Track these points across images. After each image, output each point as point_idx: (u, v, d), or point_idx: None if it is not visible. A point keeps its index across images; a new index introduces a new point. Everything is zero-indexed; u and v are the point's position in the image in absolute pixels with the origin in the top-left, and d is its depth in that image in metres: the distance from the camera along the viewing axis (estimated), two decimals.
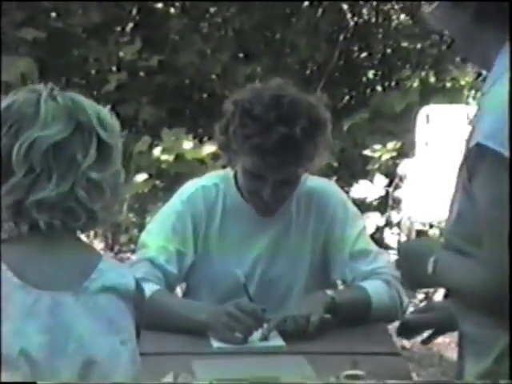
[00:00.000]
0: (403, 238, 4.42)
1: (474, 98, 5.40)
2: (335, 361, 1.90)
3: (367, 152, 5.06)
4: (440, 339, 4.02)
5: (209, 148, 5.10)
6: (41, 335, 1.34)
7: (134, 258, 2.29)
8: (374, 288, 2.17)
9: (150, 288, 2.06)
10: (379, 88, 6.04)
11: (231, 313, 2.00)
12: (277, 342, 2.04)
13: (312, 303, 2.09)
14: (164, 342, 2.00)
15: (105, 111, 1.45)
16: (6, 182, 1.35)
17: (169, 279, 2.16)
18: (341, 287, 2.32)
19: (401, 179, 4.54)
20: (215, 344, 2.02)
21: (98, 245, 5.07)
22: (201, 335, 2.03)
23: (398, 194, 4.79)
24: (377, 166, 5.04)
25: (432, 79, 5.71)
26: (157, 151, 5.13)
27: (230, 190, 2.20)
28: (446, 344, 4.00)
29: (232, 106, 2.10)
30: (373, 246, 2.26)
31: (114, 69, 5.95)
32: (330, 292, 2.14)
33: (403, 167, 4.53)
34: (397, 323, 3.95)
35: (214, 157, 5.08)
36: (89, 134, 1.39)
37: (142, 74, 5.91)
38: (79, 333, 1.37)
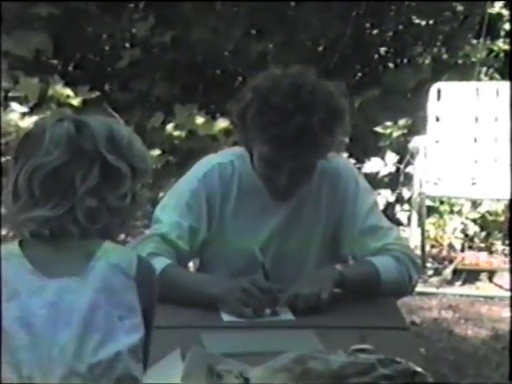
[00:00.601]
0: (414, 215, 4.40)
1: (485, 74, 5.36)
2: (344, 335, 1.90)
3: (378, 129, 5.03)
4: (450, 314, 4.05)
5: (221, 124, 5.09)
6: (44, 309, 1.43)
7: (147, 232, 2.29)
8: (383, 263, 2.16)
9: (161, 262, 2.07)
10: (391, 65, 5.99)
11: (247, 289, 2.00)
12: (286, 316, 2.04)
13: (321, 279, 2.09)
14: (173, 316, 2.00)
15: (121, 133, 1.51)
16: (15, 203, 1.49)
17: (180, 255, 2.16)
18: (351, 263, 2.31)
19: (412, 156, 4.51)
20: (225, 318, 2.03)
21: None
22: (211, 309, 2.04)
23: (409, 170, 4.77)
24: (388, 142, 5.02)
25: (444, 56, 5.67)
26: (170, 127, 5.13)
27: (246, 168, 2.20)
28: (456, 319, 4.01)
29: (251, 93, 2.08)
30: (383, 222, 2.25)
31: (128, 45, 5.93)
32: (339, 267, 2.13)
33: (414, 144, 4.50)
34: (406, 298, 3.96)
35: (227, 133, 5.07)
36: (91, 158, 1.47)
37: (155, 50, 5.89)
38: (82, 308, 1.43)
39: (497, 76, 5.36)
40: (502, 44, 5.40)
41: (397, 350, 1.79)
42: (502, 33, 5.50)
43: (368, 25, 6.12)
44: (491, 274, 4.42)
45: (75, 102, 4.97)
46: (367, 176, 4.94)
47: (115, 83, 5.92)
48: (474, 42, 5.31)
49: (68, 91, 4.99)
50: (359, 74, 6.03)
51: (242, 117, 2.10)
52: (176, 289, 2.04)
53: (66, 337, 1.42)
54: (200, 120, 5.10)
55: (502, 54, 5.48)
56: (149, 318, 1.51)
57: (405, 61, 5.95)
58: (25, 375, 1.39)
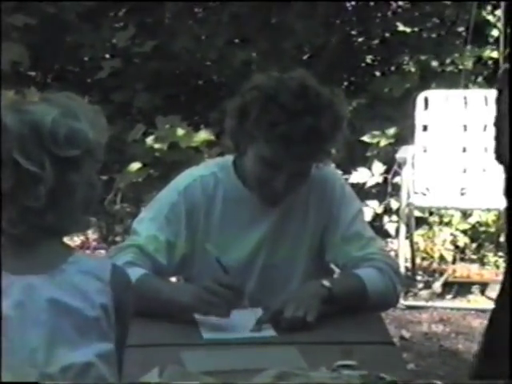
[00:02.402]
0: (402, 226, 4.42)
1: (473, 82, 5.39)
2: (327, 351, 1.90)
3: (365, 138, 5.05)
4: (440, 328, 4.06)
5: (203, 135, 5.10)
6: (13, 310, 1.43)
7: (125, 242, 2.29)
8: (369, 276, 2.17)
9: (137, 271, 2.07)
10: (378, 73, 6.02)
11: (209, 287, 2.00)
12: (268, 332, 2.04)
13: (308, 299, 2.07)
14: (152, 333, 2.00)
15: (44, 123, 1.45)
16: None
17: (158, 269, 2.15)
18: (336, 276, 2.32)
19: (399, 166, 4.53)
20: (205, 335, 2.02)
21: (92, 235, 5.07)
22: (189, 324, 2.04)
23: (396, 180, 4.78)
24: (375, 152, 5.04)
25: (431, 63, 5.70)
26: (150, 139, 5.13)
27: (230, 178, 2.20)
28: (447, 333, 4.01)
29: (255, 91, 2.08)
30: (367, 231, 2.27)
31: (108, 55, 5.93)
32: (326, 283, 2.13)
33: (402, 153, 4.52)
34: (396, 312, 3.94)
35: (209, 144, 5.08)
36: (4, 163, 1.43)
37: (136, 60, 5.90)
38: (50, 307, 1.44)
39: (485, 84, 5.39)
40: (489, 51, 5.43)
41: (382, 366, 1.80)
42: (490, 40, 5.54)
43: (354, 32, 6.16)
44: (483, 286, 4.43)
45: None
46: (354, 186, 4.94)
47: (95, 94, 5.92)
48: (462, 49, 5.35)
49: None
50: (345, 83, 6.06)
51: (240, 116, 2.09)
52: (150, 298, 2.04)
53: (36, 338, 1.42)
54: (182, 132, 5.10)
55: (490, 62, 5.52)
56: (124, 325, 1.52)
57: (392, 69, 5.99)
58: (6, 380, 1.39)
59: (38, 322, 1.43)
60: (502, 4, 3.36)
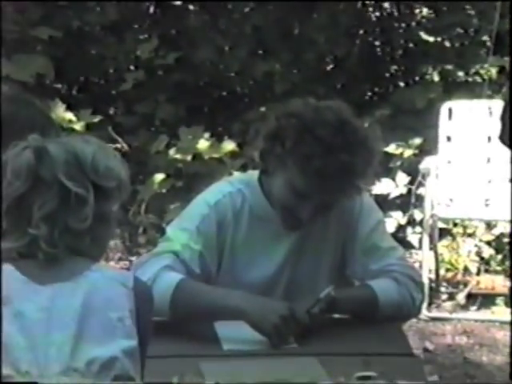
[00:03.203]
0: (426, 237, 4.40)
1: (497, 92, 5.37)
2: (347, 362, 1.90)
3: (389, 149, 5.04)
4: (464, 340, 4.03)
5: (227, 146, 5.12)
6: (38, 313, 1.51)
7: (157, 248, 2.29)
8: (381, 286, 2.17)
9: (175, 276, 2.09)
10: (401, 83, 6.01)
11: (286, 317, 2.01)
12: (289, 343, 2.04)
13: (311, 299, 2.10)
14: (171, 344, 2.01)
15: (84, 153, 1.57)
16: None
17: (192, 277, 2.16)
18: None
19: (423, 177, 4.52)
20: (226, 346, 2.03)
21: (117, 246, 5.10)
22: (209, 335, 2.04)
23: (420, 191, 4.77)
24: (399, 163, 5.02)
25: (455, 74, 5.68)
26: (173, 151, 5.16)
27: (256, 196, 2.21)
28: (470, 345, 3.99)
29: (291, 119, 2.08)
30: (385, 242, 2.26)
31: (132, 67, 5.98)
32: (332, 292, 2.13)
33: (425, 164, 4.51)
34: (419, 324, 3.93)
35: (233, 155, 5.09)
36: (48, 185, 1.54)
37: (159, 71, 5.94)
38: (76, 309, 1.51)
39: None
40: None
41: (402, 377, 1.80)
42: None
43: (377, 43, 6.16)
44: (508, 298, 4.40)
45: (78, 126, 5.02)
46: (378, 198, 4.94)
47: (119, 106, 5.97)
48: (486, 59, 5.33)
49: (70, 115, 5.04)
50: (369, 93, 6.05)
51: (273, 140, 2.09)
52: (194, 302, 2.06)
53: (62, 337, 1.49)
54: (205, 143, 5.13)
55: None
56: (145, 335, 1.56)
57: (415, 79, 5.98)
58: (22, 370, 1.46)
59: (64, 324, 1.50)
60: None
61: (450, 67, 5.68)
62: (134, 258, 5.06)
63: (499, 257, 4.79)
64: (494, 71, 5.41)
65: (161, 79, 5.89)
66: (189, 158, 5.09)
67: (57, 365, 1.47)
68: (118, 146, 5.38)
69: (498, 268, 4.75)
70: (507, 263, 4.77)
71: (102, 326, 1.51)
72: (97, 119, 5.21)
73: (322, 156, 2.03)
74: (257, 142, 2.15)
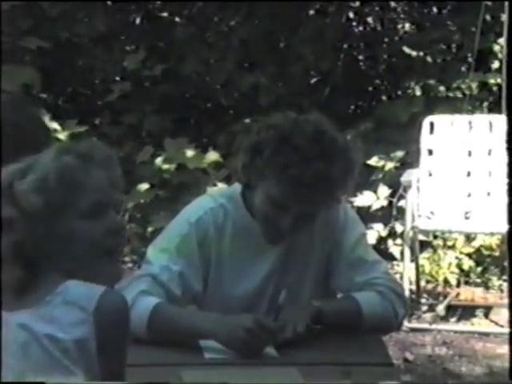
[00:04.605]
0: (407, 249, 4.41)
1: (478, 107, 5.40)
2: (327, 371, 1.89)
3: (371, 162, 5.06)
4: (443, 351, 4.04)
5: (211, 156, 5.12)
6: (2, 346, 1.43)
7: (138, 271, 2.28)
8: (366, 299, 2.16)
9: (151, 300, 2.07)
10: (384, 97, 6.04)
11: (252, 329, 1.98)
12: (269, 352, 2.03)
13: (296, 314, 2.09)
14: (153, 353, 2.00)
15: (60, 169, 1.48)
16: None
17: (171, 299, 2.13)
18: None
19: (404, 189, 4.53)
20: (207, 355, 2.02)
21: None
22: (191, 345, 2.04)
23: (401, 204, 4.78)
24: (380, 176, 5.04)
25: (437, 89, 5.72)
26: (159, 161, 5.15)
27: (238, 210, 2.19)
28: (450, 356, 4.00)
29: (271, 131, 2.08)
30: (370, 255, 2.25)
31: (118, 78, 5.98)
32: (315, 303, 2.13)
33: (407, 177, 4.52)
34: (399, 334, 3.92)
35: (217, 166, 5.09)
36: None
37: (146, 83, 5.94)
38: (25, 338, 1.43)
39: (489, 109, 5.40)
40: (493, 78, 5.45)
41: None
42: (494, 66, 5.56)
43: (361, 57, 6.19)
44: (487, 310, 4.41)
45: (62, 136, 5.01)
46: (359, 210, 4.95)
47: (105, 117, 5.96)
48: (468, 74, 5.36)
49: (55, 125, 5.03)
50: (352, 107, 6.08)
51: (253, 152, 2.08)
52: (169, 326, 2.04)
53: (7, 376, 1.41)
54: (190, 153, 5.12)
55: (494, 88, 5.53)
56: (116, 352, 1.49)
57: (398, 93, 6.01)
58: None
59: (13, 353, 1.43)
60: (505, 31, 3.38)
61: (432, 82, 5.72)
62: None
63: (479, 269, 4.81)
64: (474, 87, 5.44)
65: (147, 90, 5.88)
66: (173, 167, 5.08)
67: None
68: None
69: (478, 280, 4.77)
70: (487, 275, 4.78)
71: (44, 357, 1.42)
72: (82, 129, 5.20)
73: (298, 165, 2.02)
74: (239, 155, 2.15)
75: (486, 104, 5.48)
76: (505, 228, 3.24)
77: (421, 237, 4.62)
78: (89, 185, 1.50)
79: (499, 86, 5.34)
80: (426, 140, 4.64)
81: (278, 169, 2.04)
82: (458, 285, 4.70)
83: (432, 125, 4.66)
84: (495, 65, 5.52)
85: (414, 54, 5.86)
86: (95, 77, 6.01)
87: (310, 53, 5.72)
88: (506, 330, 4.01)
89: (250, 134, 2.12)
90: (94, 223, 1.50)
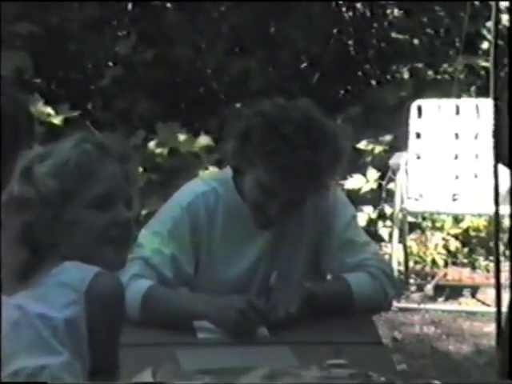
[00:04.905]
0: (396, 231, 4.43)
1: (465, 91, 5.41)
2: (318, 350, 1.91)
3: (360, 145, 5.07)
4: (432, 330, 4.07)
5: (203, 140, 5.12)
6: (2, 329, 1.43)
7: (130, 255, 2.28)
8: (356, 279, 2.17)
9: (144, 283, 2.07)
10: (374, 82, 6.04)
11: (243, 310, 1.99)
12: (261, 332, 2.05)
13: (288, 295, 2.10)
14: (146, 333, 2.00)
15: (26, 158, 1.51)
16: None
17: (163, 281, 2.13)
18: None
19: (393, 172, 4.55)
20: (200, 334, 2.03)
21: None
22: (185, 325, 2.04)
23: (390, 186, 4.80)
24: (369, 159, 5.05)
25: (425, 73, 5.72)
26: (151, 145, 5.15)
27: (230, 194, 2.19)
28: (438, 335, 4.02)
29: (259, 117, 2.07)
30: (360, 237, 2.25)
31: (110, 63, 5.96)
32: (307, 284, 2.14)
33: (395, 160, 4.54)
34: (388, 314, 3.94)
35: (209, 150, 5.09)
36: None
37: (137, 68, 5.91)
38: (14, 320, 1.44)
39: (476, 93, 5.42)
40: (481, 62, 5.46)
41: (371, 365, 1.81)
42: (482, 50, 5.56)
43: (351, 42, 6.18)
44: (474, 289, 4.44)
45: (56, 120, 4.99)
46: (349, 193, 4.97)
47: (97, 102, 5.94)
48: (455, 58, 5.37)
49: (49, 110, 5.01)
50: (342, 92, 6.07)
51: (243, 139, 2.08)
52: (162, 308, 2.04)
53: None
54: (182, 137, 5.12)
55: (482, 72, 5.54)
56: (108, 333, 1.49)
57: (387, 78, 6.01)
58: None
59: (5, 334, 1.44)
60: (493, 15, 3.39)
61: (420, 65, 5.72)
62: None
63: (466, 250, 4.84)
64: (462, 71, 5.45)
65: (139, 76, 5.87)
66: (166, 151, 5.08)
67: None
68: None
69: (465, 260, 4.80)
70: (473, 256, 4.81)
71: (34, 336, 1.42)
72: (75, 114, 5.18)
73: (286, 153, 2.01)
74: (229, 141, 2.14)
75: (473, 88, 5.49)
76: (492, 209, 3.27)
77: (409, 218, 4.65)
78: (101, 175, 1.51)
79: (487, 70, 5.35)
80: (414, 124, 4.66)
81: (266, 156, 2.04)
82: (446, 265, 4.73)
83: (420, 109, 4.67)
84: (483, 47, 5.53)
85: (402, 38, 5.86)
86: (87, 62, 5.98)
87: (300, 38, 5.71)
88: (493, 309, 4.04)
89: (239, 121, 2.11)
90: (98, 213, 1.51)
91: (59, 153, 1.51)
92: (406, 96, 5.22)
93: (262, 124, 2.06)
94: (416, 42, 5.89)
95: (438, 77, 5.73)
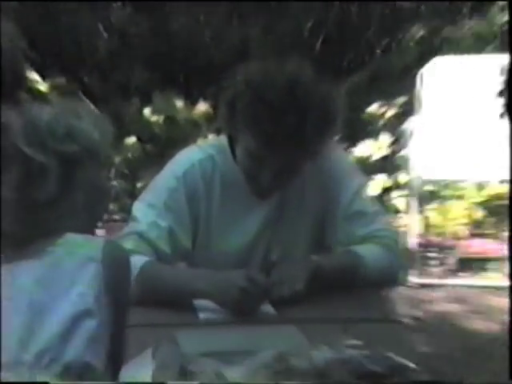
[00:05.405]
0: (413, 201, 4.37)
1: (484, 49, 5.33)
2: (328, 329, 1.84)
3: (371, 109, 5.02)
4: (456, 308, 3.99)
5: (202, 108, 5.08)
6: (5, 295, 1.44)
7: (124, 229, 2.24)
8: (368, 252, 2.09)
9: (140, 259, 2.00)
10: (378, 48, 6.00)
11: (245, 288, 1.93)
12: (266, 310, 1.99)
13: (295, 270, 2.02)
14: (146, 314, 1.93)
15: (41, 118, 1.49)
16: None
17: (160, 257, 2.08)
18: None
19: (408, 137, 4.49)
20: (201, 315, 1.98)
21: None
22: (186, 305, 2.00)
23: (405, 152, 4.74)
24: (381, 123, 5.01)
25: (438, 32, 5.67)
26: (147, 112, 5.12)
27: (227, 161, 2.14)
28: (463, 313, 3.96)
29: (243, 84, 2.01)
30: (370, 207, 2.17)
31: (105, 35, 5.93)
32: (315, 257, 2.08)
33: (410, 123, 4.47)
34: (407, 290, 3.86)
35: (208, 118, 5.06)
36: (10, 156, 1.47)
37: (133, 39, 5.89)
38: (32, 290, 1.45)
39: (496, 50, 5.33)
40: (499, 17, 5.38)
41: (388, 345, 1.73)
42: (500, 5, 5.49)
43: (354, 8, 6.13)
44: (500, 262, 4.37)
45: (42, 87, 4.97)
46: (359, 160, 4.92)
47: (94, 74, 5.92)
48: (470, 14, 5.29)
49: (35, 76, 4.99)
50: (347, 58, 6.03)
51: (230, 106, 2.03)
52: (158, 286, 1.99)
53: (15, 323, 1.42)
54: (179, 104, 5.10)
55: (495, 28, 5.47)
56: (122, 304, 1.51)
57: (393, 44, 5.97)
58: None
59: (17, 308, 1.44)
60: None
61: (431, 26, 5.67)
62: (106, 226, 5.02)
63: (489, 219, 4.77)
64: (477, 28, 5.37)
65: (135, 47, 5.83)
66: (162, 119, 5.05)
67: (5, 355, 1.38)
68: None
69: (489, 231, 4.73)
70: (500, 226, 4.74)
71: (57, 308, 1.44)
72: (71, 86, 5.17)
73: (270, 119, 1.96)
74: (220, 108, 2.12)
75: (492, 45, 5.41)
76: None
77: (428, 187, 4.58)
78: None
79: (506, 24, 5.26)
80: (429, 84, 4.57)
81: (251, 123, 2.00)
82: (469, 237, 4.67)
83: (435, 67, 4.58)
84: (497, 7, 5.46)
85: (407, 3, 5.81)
86: (81, 34, 5.96)
87: (302, 5, 5.67)
88: None
89: (228, 87, 2.09)
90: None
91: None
92: (413, 60, 5.16)
93: (246, 90, 2.00)
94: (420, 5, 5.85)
95: (453, 35, 5.66)
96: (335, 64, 5.64)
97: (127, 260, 1.54)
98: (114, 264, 1.50)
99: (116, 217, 5.05)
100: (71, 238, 1.49)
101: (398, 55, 5.42)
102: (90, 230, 1.56)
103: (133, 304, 1.92)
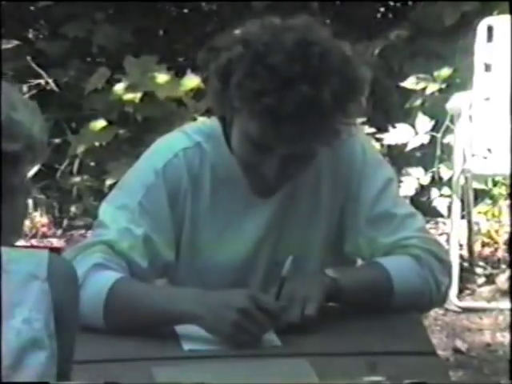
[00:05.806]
0: (456, 201, 4.45)
1: None
2: (347, 363, 1.93)
3: (406, 83, 5.07)
4: (507, 338, 4.09)
5: (189, 82, 5.12)
6: None
7: (88, 238, 2.31)
8: (397, 265, 2.19)
9: (110, 276, 2.09)
10: None
11: (246, 310, 2.00)
12: (269, 339, 2.07)
13: (307, 290, 2.11)
14: (117, 346, 2.02)
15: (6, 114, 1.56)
16: None
17: (135, 271, 2.16)
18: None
19: (452, 120, 4.56)
20: (186, 346, 2.05)
21: (42, 219, 5.11)
22: (165, 333, 2.07)
23: (448, 140, 4.81)
24: (419, 102, 5.05)
25: None
26: (119, 88, 5.15)
27: (219, 151, 2.21)
28: None
29: (240, 46, 2.08)
30: (400, 208, 2.27)
31: None
32: (331, 272, 2.16)
33: (455, 103, 4.54)
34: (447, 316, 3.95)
35: (197, 95, 5.10)
36: None
37: None
38: None
39: None
40: None
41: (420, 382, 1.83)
42: None
43: None
44: None
45: None
46: (391, 149, 4.99)
47: (42, 29, 5.94)
48: None
49: None
50: (381, 9, 6.07)
51: (223, 77, 2.08)
52: (131, 310, 2.07)
53: None
54: (160, 78, 5.13)
55: None
56: (70, 329, 1.57)
57: None
58: None
59: None
60: None
61: None
62: (64, 234, 5.08)
63: None
64: None
65: None
66: (138, 97, 5.09)
67: None
68: (41, 81, 5.38)
69: None
70: None
71: (3, 339, 1.48)
72: (10, 45, 5.20)
73: (274, 91, 2.02)
74: (210, 81, 2.15)
75: None
76: None
77: (475, 184, 4.66)
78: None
79: None
80: (482, 51, 4.65)
81: (250, 97, 2.05)
82: None
83: (490, 30, 4.66)
84: None
85: None
86: None
87: None
88: None
89: (220, 51, 2.12)
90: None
91: None
92: (468, 12, 5.20)
93: (244, 55, 2.06)
94: None
95: None
96: (365, 16, 5.67)
97: (76, 277, 1.60)
98: (62, 282, 1.56)
99: (79, 222, 5.10)
100: (4, 252, 1.54)
101: (451, 3, 5.39)
102: (11, 240, 1.64)
103: (101, 333, 2.02)
